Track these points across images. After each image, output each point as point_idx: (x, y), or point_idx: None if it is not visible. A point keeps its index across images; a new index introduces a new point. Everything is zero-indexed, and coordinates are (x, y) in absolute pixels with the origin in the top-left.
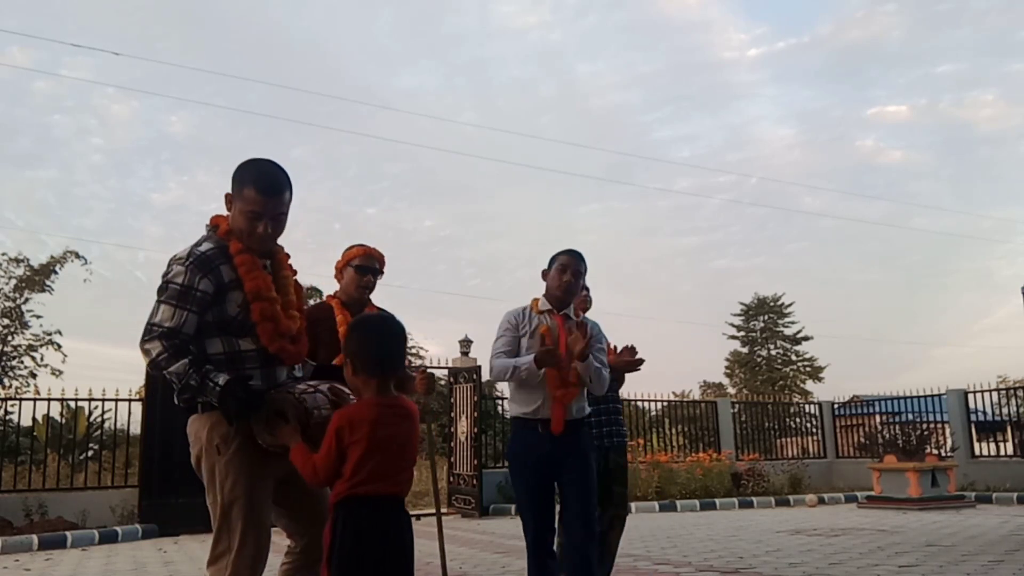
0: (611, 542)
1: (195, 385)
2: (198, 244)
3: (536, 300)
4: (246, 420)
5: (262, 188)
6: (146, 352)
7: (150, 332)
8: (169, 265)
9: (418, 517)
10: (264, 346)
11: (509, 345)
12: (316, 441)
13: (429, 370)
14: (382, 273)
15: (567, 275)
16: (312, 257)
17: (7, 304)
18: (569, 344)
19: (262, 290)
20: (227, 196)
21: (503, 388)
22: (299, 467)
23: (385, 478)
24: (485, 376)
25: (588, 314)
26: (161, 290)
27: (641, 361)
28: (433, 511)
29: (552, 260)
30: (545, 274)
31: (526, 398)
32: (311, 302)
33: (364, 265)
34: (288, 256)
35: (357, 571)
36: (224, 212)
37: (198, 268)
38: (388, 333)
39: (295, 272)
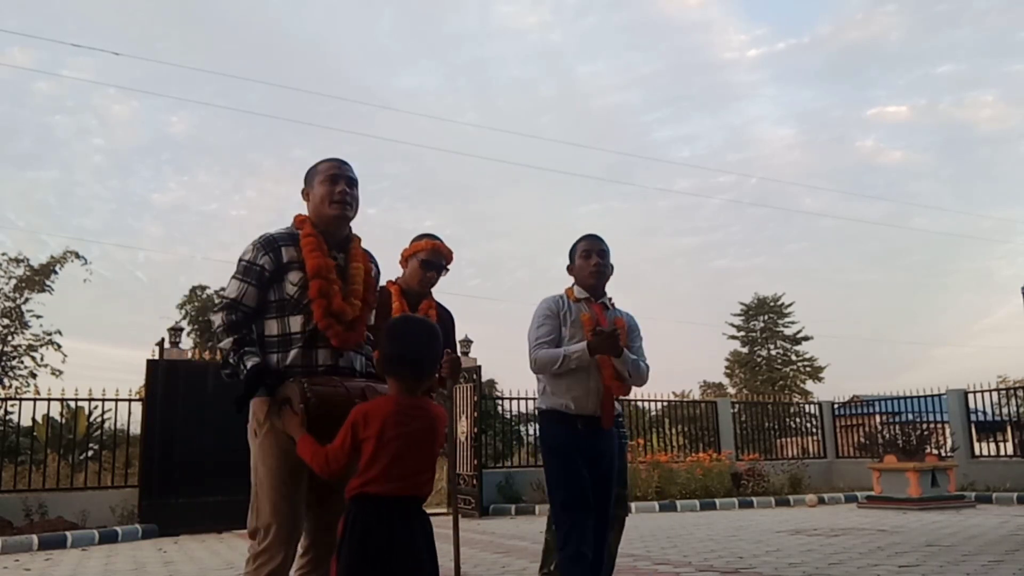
0: (610, 543)
1: (234, 363)
2: (273, 230)
3: (570, 288)
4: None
5: (332, 159)
6: (212, 322)
7: (218, 303)
8: (247, 245)
9: None
10: (312, 328)
11: (551, 333)
12: (323, 433)
13: (454, 354)
14: (447, 270)
15: (593, 258)
16: None
17: (7, 304)
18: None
19: (322, 269)
20: (303, 192)
21: (503, 388)
22: (306, 458)
23: (400, 479)
24: (487, 376)
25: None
26: (236, 266)
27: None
28: (442, 510)
29: (573, 250)
30: (571, 268)
31: (569, 390)
32: None
33: (430, 260)
34: (370, 257)
35: (361, 570)
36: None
37: (262, 246)
38: (419, 336)
39: (373, 270)
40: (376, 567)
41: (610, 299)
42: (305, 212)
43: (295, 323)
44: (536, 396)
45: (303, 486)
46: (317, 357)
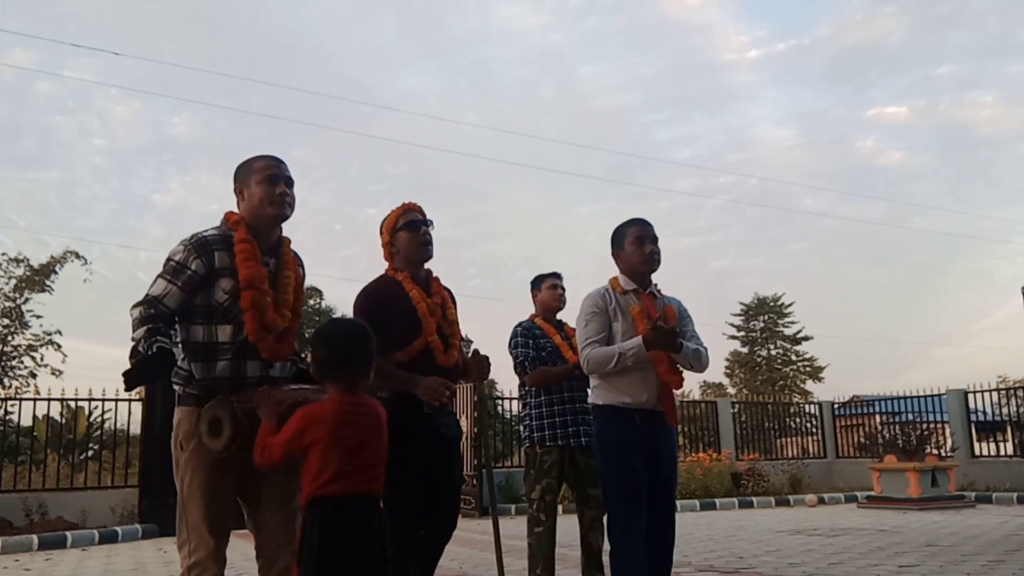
0: (592, 544)
1: (142, 350)
2: (204, 230)
3: (615, 279)
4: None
5: (268, 156)
6: (131, 315)
7: (139, 299)
8: (176, 245)
9: None
10: (241, 339)
11: (601, 331)
12: (247, 444)
13: (482, 353)
14: (432, 223)
15: (647, 245)
16: (313, 258)
17: (7, 304)
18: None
19: (255, 280)
20: (236, 189)
21: (503, 388)
22: (257, 441)
23: (350, 476)
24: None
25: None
26: (163, 266)
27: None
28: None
29: (620, 235)
30: (617, 254)
31: (628, 385)
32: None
33: (413, 220)
34: (298, 260)
35: (323, 571)
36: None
37: (194, 248)
38: (348, 337)
39: (301, 276)
40: (338, 566)
41: (657, 287)
42: (236, 210)
43: (223, 332)
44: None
45: (231, 500)
46: (247, 369)
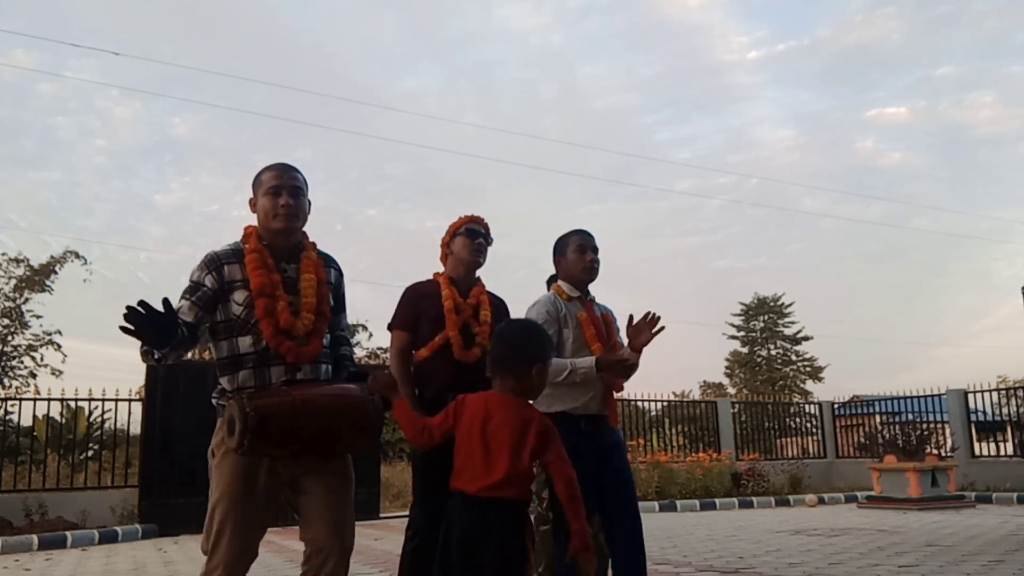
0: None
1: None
2: (221, 247)
3: (558, 286)
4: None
5: (276, 166)
6: None
7: None
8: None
9: None
10: (263, 347)
11: (553, 339)
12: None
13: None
14: (491, 239)
15: (589, 254)
16: None
17: (7, 304)
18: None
19: (266, 287)
20: (250, 201)
21: None
22: (402, 423)
23: (464, 474)
24: None
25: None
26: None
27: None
28: None
29: (563, 244)
30: (559, 261)
31: (573, 392)
32: None
33: (472, 228)
34: (326, 261)
35: (441, 569)
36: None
37: (205, 265)
38: (511, 335)
39: (330, 276)
40: (446, 560)
41: (591, 296)
42: (254, 223)
43: (244, 344)
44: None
45: (261, 510)
46: (270, 376)
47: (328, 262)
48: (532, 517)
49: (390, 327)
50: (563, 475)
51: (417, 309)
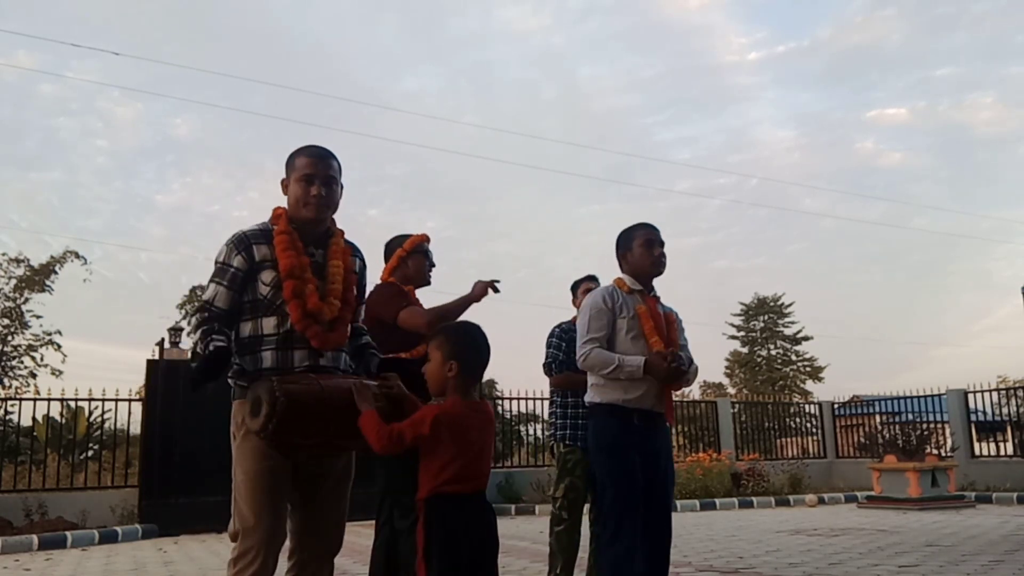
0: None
1: (200, 351)
2: (248, 227)
3: (620, 279)
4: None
5: (311, 152)
6: (191, 325)
7: (195, 306)
8: (221, 246)
9: None
10: (287, 330)
11: (604, 328)
12: (294, 431)
13: None
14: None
15: (656, 249)
16: None
17: (7, 304)
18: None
19: (295, 269)
20: (282, 182)
21: (503, 389)
22: (369, 432)
23: (474, 477)
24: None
25: None
26: (213, 268)
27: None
28: None
29: (628, 237)
30: (624, 256)
31: (631, 384)
32: None
33: (429, 251)
34: (353, 250)
35: (454, 569)
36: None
37: (235, 245)
38: (486, 343)
39: (356, 265)
40: (465, 564)
41: (656, 293)
42: (284, 204)
43: (268, 324)
44: (544, 395)
45: (284, 488)
46: (293, 359)
47: (355, 251)
48: (549, 518)
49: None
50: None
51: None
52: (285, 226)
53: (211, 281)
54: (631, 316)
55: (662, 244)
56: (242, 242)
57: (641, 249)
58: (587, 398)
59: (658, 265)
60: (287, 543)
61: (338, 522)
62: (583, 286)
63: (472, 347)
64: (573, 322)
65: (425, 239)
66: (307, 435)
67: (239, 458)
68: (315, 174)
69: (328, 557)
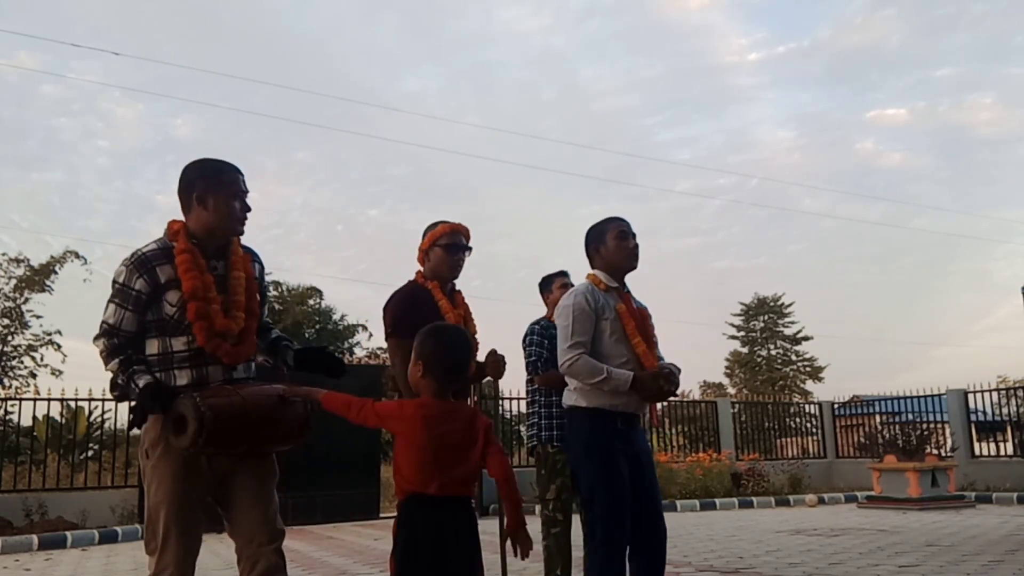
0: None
1: (122, 384)
2: (144, 245)
3: (593, 275)
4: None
5: (232, 168)
6: (96, 347)
7: (99, 329)
8: (119, 265)
9: None
10: (198, 347)
11: (587, 331)
12: (224, 443)
13: (500, 353)
14: (471, 249)
15: (631, 240)
16: (315, 259)
17: (7, 304)
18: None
19: (198, 290)
20: (190, 197)
21: (503, 389)
22: (339, 406)
23: (441, 477)
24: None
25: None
26: (111, 288)
27: None
28: None
29: (601, 231)
30: (596, 249)
31: (614, 392)
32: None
33: (453, 243)
34: (252, 256)
35: (409, 566)
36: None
37: (135, 268)
38: (462, 345)
39: (254, 272)
40: (426, 567)
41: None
42: (180, 218)
43: (178, 343)
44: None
45: (200, 505)
46: (208, 375)
47: (254, 257)
48: (541, 520)
49: (395, 334)
50: (502, 459)
51: (417, 318)
52: (186, 243)
53: (113, 303)
54: (613, 317)
55: (635, 236)
56: (143, 264)
57: (616, 242)
58: (566, 401)
59: (633, 257)
60: (236, 544)
61: (275, 510)
62: (557, 281)
63: (441, 346)
64: (549, 319)
65: (444, 232)
66: (234, 445)
67: (157, 477)
68: (243, 191)
69: (279, 542)
